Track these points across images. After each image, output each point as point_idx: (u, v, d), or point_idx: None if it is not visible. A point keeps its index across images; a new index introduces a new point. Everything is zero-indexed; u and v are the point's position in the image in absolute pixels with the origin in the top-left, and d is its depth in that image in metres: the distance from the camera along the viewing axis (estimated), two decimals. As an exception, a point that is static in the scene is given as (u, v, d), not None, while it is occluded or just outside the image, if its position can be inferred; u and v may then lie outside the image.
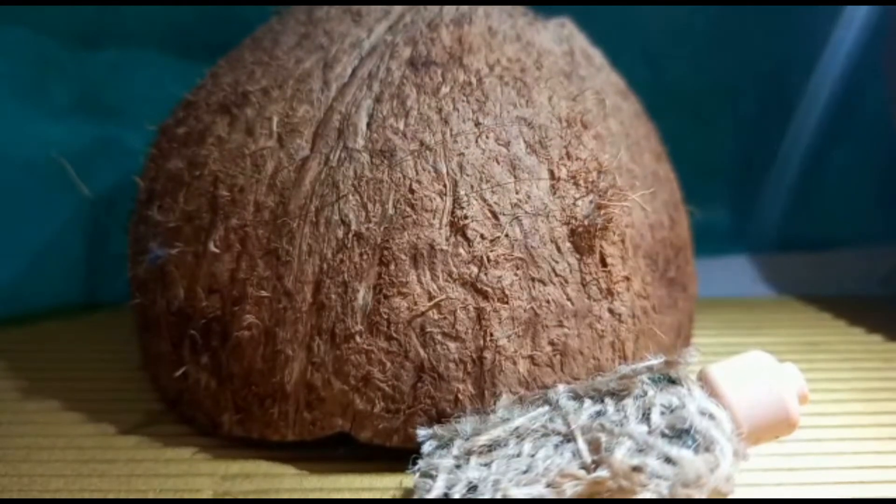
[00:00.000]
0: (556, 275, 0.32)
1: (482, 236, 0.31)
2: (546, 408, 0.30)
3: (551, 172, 0.33)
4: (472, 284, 0.31)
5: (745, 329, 0.48)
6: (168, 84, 0.43)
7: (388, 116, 0.33)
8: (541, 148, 0.33)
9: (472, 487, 0.27)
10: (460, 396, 0.31)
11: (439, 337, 0.31)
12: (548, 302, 0.31)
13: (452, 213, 0.31)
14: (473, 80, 0.34)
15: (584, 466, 0.26)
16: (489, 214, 0.31)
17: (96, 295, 0.52)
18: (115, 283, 0.48)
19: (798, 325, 0.49)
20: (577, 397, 0.30)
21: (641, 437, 0.27)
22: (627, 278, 0.33)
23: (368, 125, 0.33)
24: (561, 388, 0.31)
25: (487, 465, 0.28)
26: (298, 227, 0.32)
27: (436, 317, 0.31)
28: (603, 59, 0.41)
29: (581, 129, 0.34)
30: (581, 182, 0.33)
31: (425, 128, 0.32)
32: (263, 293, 0.32)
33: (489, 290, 0.31)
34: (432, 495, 0.27)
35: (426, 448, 0.30)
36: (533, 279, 0.31)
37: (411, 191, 0.31)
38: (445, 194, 0.31)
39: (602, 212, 0.32)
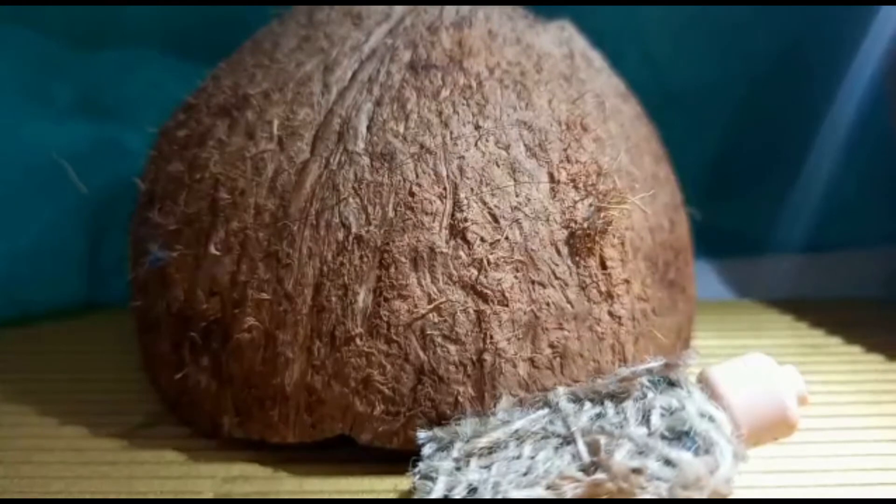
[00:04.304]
0: (556, 277, 0.32)
1: (482, 239, 0.31)
2: (546, 410, 0.30)
3: (551, 175, 0.33)
4: (472, 287, 0.31)
5: (745, 331, 0.48)
6: (168, 86, 0.43)
7: (388, 120, 0.33)
8: (541, 151, 0.33)
9: (473, 489, 0.27)
10: (460, 399, 0.31)
11: (439, 339, 0.31)
12: (548, 304, 0.31)
13: (452, 215, 0.31)
14: (473, 84, 0.34)
15: (583, 468, 0.26)
16: (489, 217, 0.31)
17: (96, 296, 0.52)
18: (115, 284, 0.48)
19: (798, 327, 0.49)
20: (577, 400, 0.30)
21: (641, 439, 0.27)
22: (627, 281, 0.33)
23: (369, 128, 0.33)
24: (561, 390, 0.31)
25: (487, 467, 0.28)
26: (299, 229, 0.32)
27: (436, 319, 0.31)
28: (603, 61, 0.41)
29: (581, 132, 0.34)
30: (581, 185, 0.33)
31: (425, 131, 0.33)
32: (264, 296, 0.32)
33: (489, 292, 0.31)
34: (432, 497, 0.27)
35: (426, 450, 0.30)
36: (533, 282, 0.31)
37: (411, 194, 0.31)
38: (445, 197, 0.31)
39: (602, 215, 0.32)
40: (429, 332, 0.31)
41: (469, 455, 0.29)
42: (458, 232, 0.31)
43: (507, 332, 0.31)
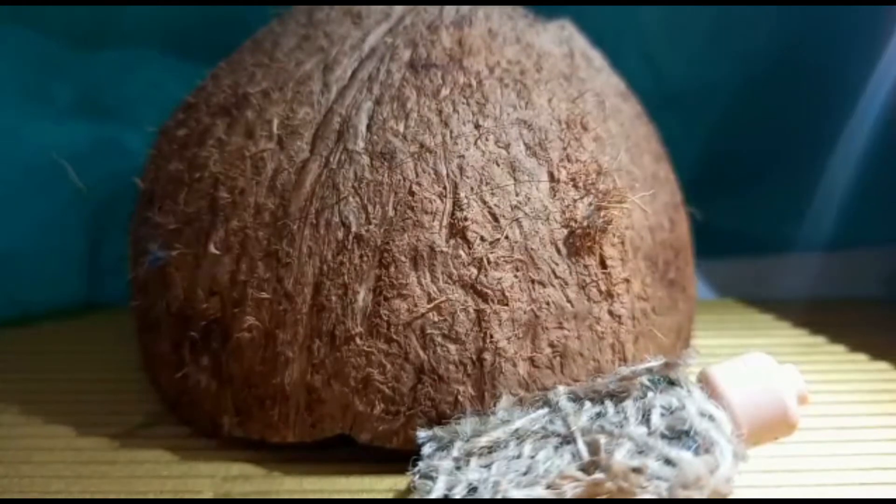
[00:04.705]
0: (556, 277, 0.32)
1: (482, 238, 0.31)
2: (546, 409, 0.30)
3: (551, 174, 0.33)
4: (471, 286, 0.31)
5: (745, 330, 0.48)
6: (168, 86, 0.43)
7: (388, 118, 0.33)
8: (540, 150, 0.33)
9: (473, 489, 0.27)
10: (460, 398, 0.31)
11: (439, 339, 0.31)
12: (548, 304, 0.31)
13: (452, 214, 0.31)
14: (473, 83, 0.34)
15: (583, 468, 0.26)
16: (489, 216, 0.31)
17: (96, 296, 0.52)
18: (115, 284, 0.48)
19: (798, 326, 0.49)
20: (577, 399, 0.30)
21: (641, 438, 0.27)
22: (627, 280, 0.33)
23: (368, 127, 0.33)
24: (561, 389, 0.31)
25: (487, 466, 0.28)
26: (298, 228, 0.32)
27: (436, 318, 0.31)
28: (603, 60, 0.41)
29: (581, 131, 0.34)
30: (581, 184, 0.33)
31: (425, 130, 0.33)
32: (263, 295, 0.32)
33: (489, 291, 0.31)
34: (432, 497, 0.27)
35: (426, 450, 0.30)
36: (533, 281, 0.31)
37: (411, 193, 0.31)
38: (445, 196, 0.31)
39: (602, 214, 0.32)
40: (429, 332, 0.31)
41: (469, 454, 0.29)
42: (457, 231, 0.31)
43: (507, 331, 0.31)
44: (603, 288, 0.32)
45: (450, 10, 0.37)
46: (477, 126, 0.33)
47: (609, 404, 0.29)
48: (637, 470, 0.25)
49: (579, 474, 0.26)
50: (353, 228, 0.31)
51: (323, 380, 0.31)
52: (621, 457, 0.26)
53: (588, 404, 0.30)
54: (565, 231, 0.32)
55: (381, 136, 0.32)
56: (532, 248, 0.32)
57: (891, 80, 0.50)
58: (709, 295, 0.55)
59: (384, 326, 0.31)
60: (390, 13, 0.38)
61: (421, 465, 0.29)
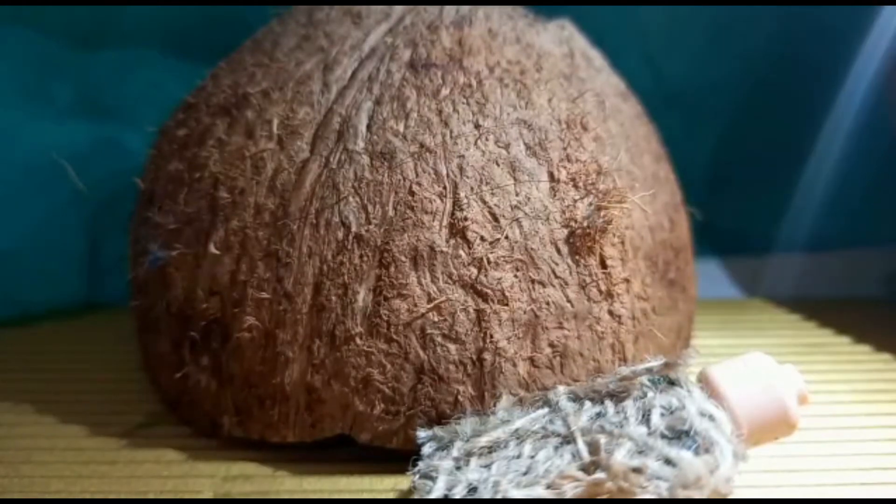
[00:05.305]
0: (556, 276, 0.32)
1: (482, 238, 0.31)
2: (546, 409, 0.30)
3: (551, 174, 0.33)
4: (471, 286, 0.31)
5: (745, 330, 0.48)
6: (168, 86, 0.43)
7: (388, 118, 0.33)
8: (540, 150, 0.33)
9: (473, 489, 0.27)
10: (460, 398, 0.31)
11: (439, 339, 0.31)
12: (548, 304, 0.31)
13: (452, 214, 0.31)
14: (473, 82, 0.34)
15: (583, 468, 0.26)
16: (489, 216, 0.31)
17: (96, 295, 0.52)
18: (115, 284, 0.48)
19: (798, 326, 0.49)
20: (577, 399, 0.30)
21: (641, 438, 0.27)
22: (627, 280, 0.33)
23: (368, 127, 0.33)
24: (561, 389, 0.31)
25: (487, 466, 0.28)
26: (298, 228, 0.32)
27: (436, 318, 0.31)
28: (603, 60, 0.41)
29: (581, 131, 0.34)
30: (581, 184, 0.33)
31: (425, 130, 0.33)
32: (263, 295, 0.32)
33: (489, 291, 0.31)
34: (433, 496, 0.27)
35: (426, 450, 0.30)
36: (533, 281, 0.31)
37: (411, 193, 0.31)
38: (445, 196, 0.31)
39: (602, 213, 0.32)
40: (429, 332, 0.31)
41: (469, 454, 0.29)
42: (457, 231, 0.31)
43: (507, 331, 0.31)
44: (603, 288, 0.32)
45: (450, 10, 0.37)
46: (477, 126, 0.33)
47: (609, 404, 0.29)
48: (637, 470, 0.25)
49: (579, 474, 0.26)
50: (353, 228, 0.31)
51: (323, 380, 0.31)
52: (621, 457, 0.26)
53: (588, 404, 0.30)
54: (565, 231, 0.32)
55: (381, 135, 0.33)
56: (532, 248, 0.32)
57: (891, 81, 0.50)
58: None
59: (384, 326, 0.31)
60: (390, 13, 0.38)
61: (421, 465, 0.29)
